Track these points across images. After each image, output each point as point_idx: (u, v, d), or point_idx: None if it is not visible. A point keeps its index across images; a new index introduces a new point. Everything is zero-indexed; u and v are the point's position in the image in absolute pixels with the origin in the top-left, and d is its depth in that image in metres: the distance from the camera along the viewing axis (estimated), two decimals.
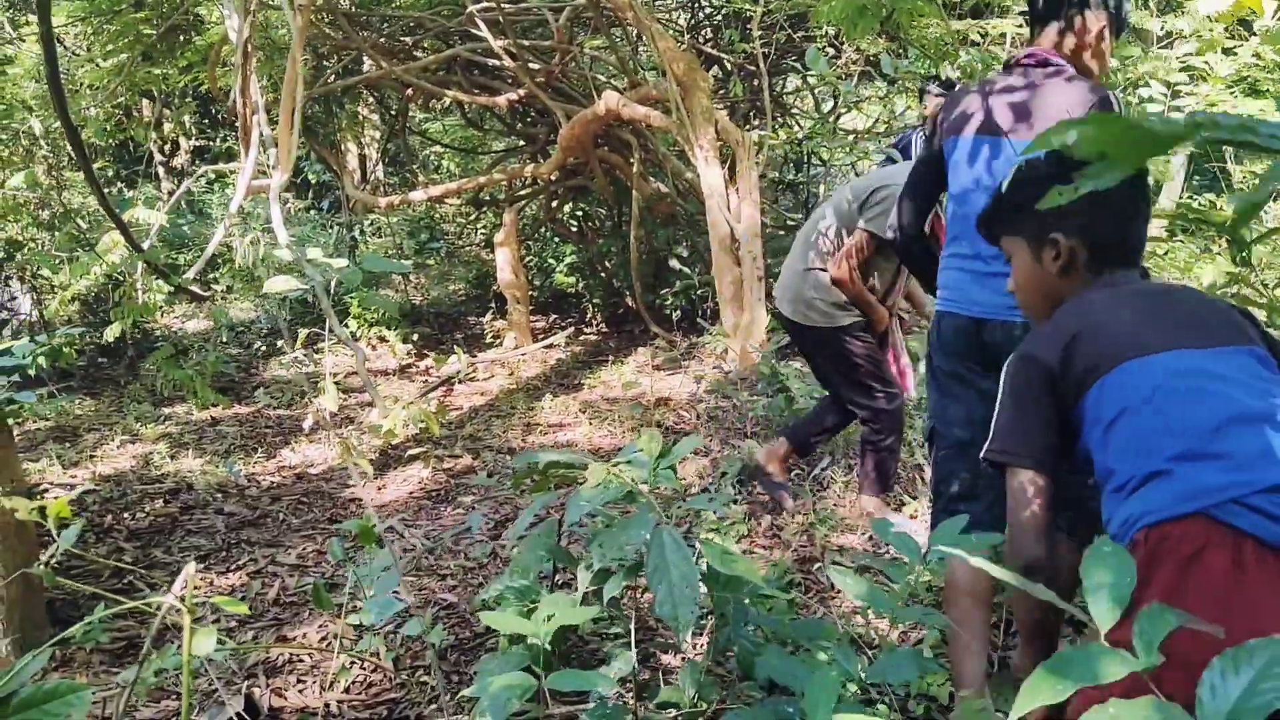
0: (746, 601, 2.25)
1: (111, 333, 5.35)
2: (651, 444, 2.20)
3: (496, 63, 7.02)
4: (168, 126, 10.82)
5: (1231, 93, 4.96)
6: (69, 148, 7.28)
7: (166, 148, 11.74)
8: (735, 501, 4.10)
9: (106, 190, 6.39)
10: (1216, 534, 1.23)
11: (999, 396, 1.62)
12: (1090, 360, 1.48)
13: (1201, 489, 1.30)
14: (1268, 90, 5.17)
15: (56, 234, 6.66)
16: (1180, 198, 6.39)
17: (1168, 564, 1.28)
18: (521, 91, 7.02)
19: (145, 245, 5.74)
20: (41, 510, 1.57)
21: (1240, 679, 0.91)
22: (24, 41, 8.28)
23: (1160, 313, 1.53)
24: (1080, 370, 1.49)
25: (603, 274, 8.28)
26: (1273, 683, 0.90)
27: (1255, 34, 4.70)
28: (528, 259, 8.62)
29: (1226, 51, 4.91)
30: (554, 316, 8.58)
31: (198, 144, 12.05)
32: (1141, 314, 1.53)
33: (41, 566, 2.14)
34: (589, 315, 8.26)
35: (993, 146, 2.58)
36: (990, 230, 1.81)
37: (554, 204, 8.57)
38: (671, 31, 7.67)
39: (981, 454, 1.61)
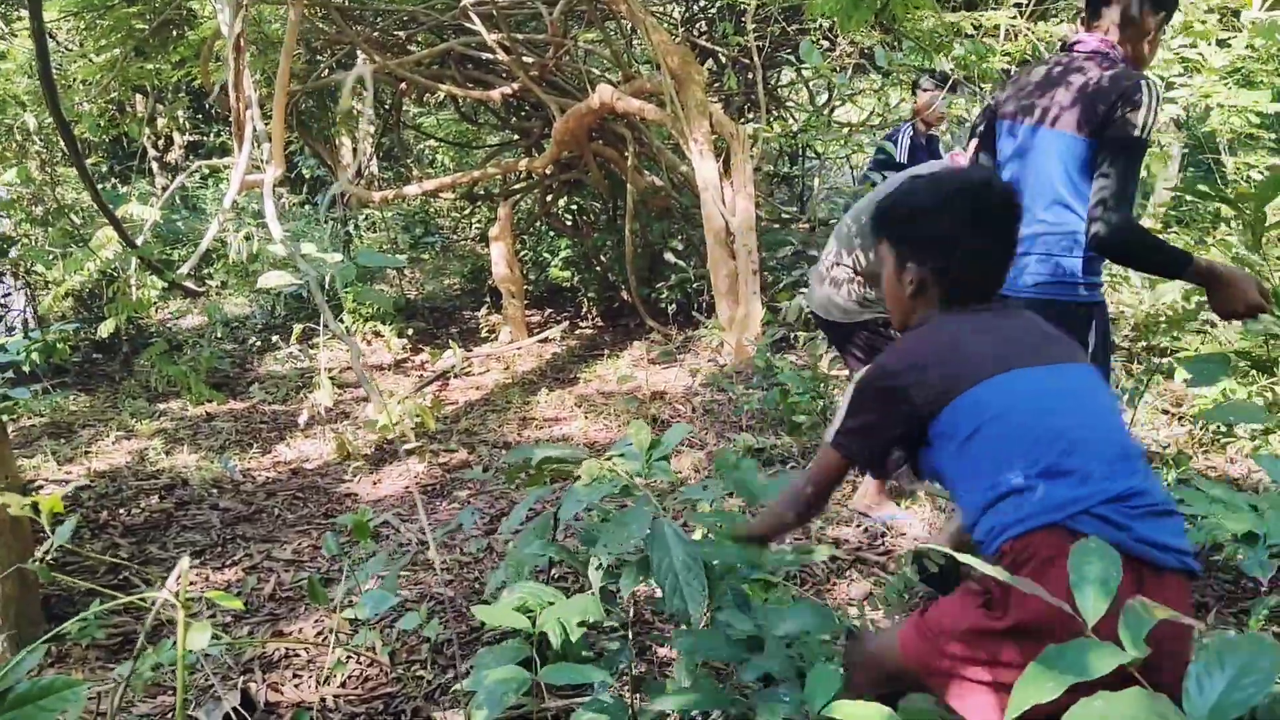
0: (746, 589, 2.25)
1: (106, 329, 5.35)
2: (641, 436, 2.20)
3: (490, 57, 7.01)
4: (161, 121, 10.78)
5: (1225, 84, 4.96)
6: (62, 143, 7.27)
7: (160, 143, 11.70)
8: (731, 494, 4.10)
9: (100, 186, 6.38)
10: (1069, 542, 1.35)
11: (853, 395, 1.81)
12: (944, 383, 1.64)
13: (1055, 504, 1.51)
14: (1261, 81, 5.18)
15: (50, 230, 6.65)
16: (1174, 190, 6.39)
17: (1029, 568, 1.48)
18: (516, 85, 7.00)
19: (139, 241, 5.75)
20: (35, 506, 1.57)
21: (1225, 673, 0.93)
22: (16, 36, 8.26)
23: (1008, 337, 1.72)
24: (934, 393, 1.64)
25: (598, 268, 8.28)
26: (1254, 677, 0.91)
27: (1245, 26, 4.71)
28: (522, 253, 8.61)
29: (1220, 43, 4.91)
30: (549, 310, 8.57)
31: (191, 139, 12.01)
32: (992, 339, 1.70)
33: (36, 563, 2.15)
34: (584, 309, 8.25)
35: (1009, 130, 2.64)
36: (873, 229, 1.93)
37: (549, 198, 8.56)
38: (666, 24, 7.66)
39: (826, 437, 1.83)
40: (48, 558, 2.30)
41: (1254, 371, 4.27)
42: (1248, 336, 4.43)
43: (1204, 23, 4.87)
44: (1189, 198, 6.28)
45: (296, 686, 2.81)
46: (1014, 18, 5.25)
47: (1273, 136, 5.92)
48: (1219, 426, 4.27)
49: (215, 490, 4.58)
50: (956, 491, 1.68)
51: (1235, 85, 5.13)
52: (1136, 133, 2.39)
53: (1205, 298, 2.41)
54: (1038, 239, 2.57)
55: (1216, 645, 1.00)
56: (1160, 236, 2.75)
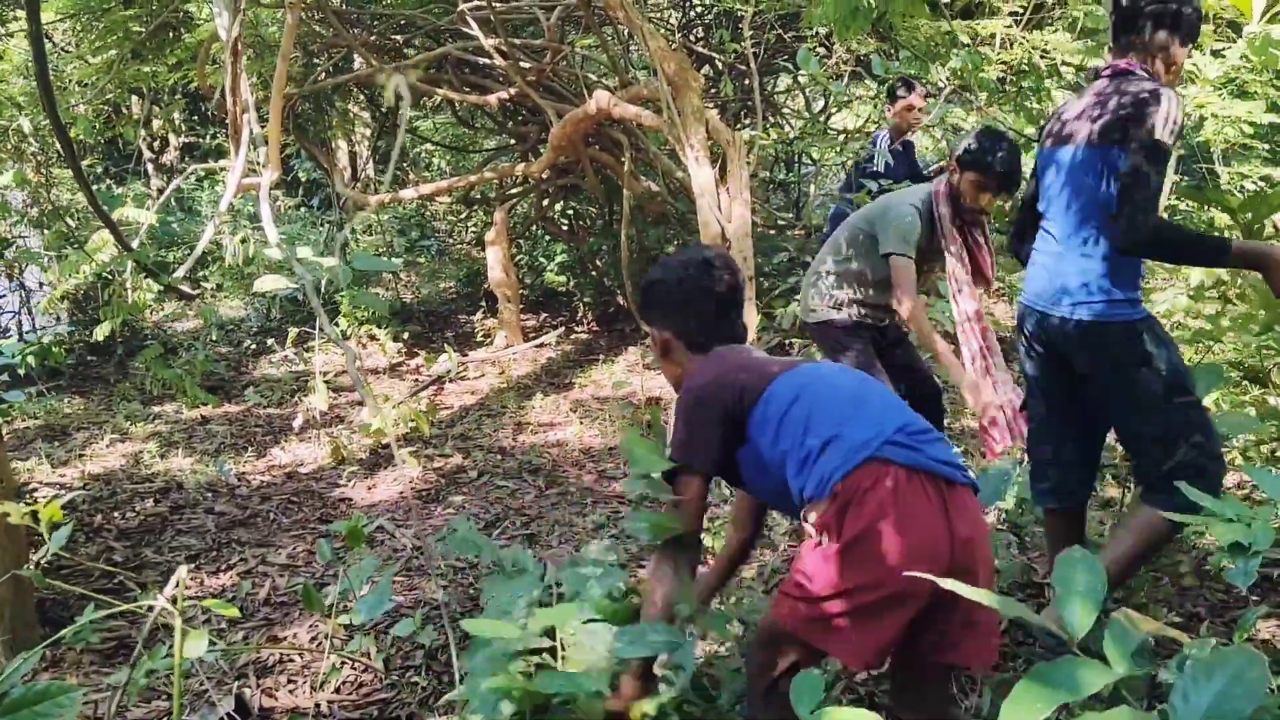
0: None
1: (101, 332, 5.35)
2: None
3: (487, 61, 7.01)
4: (156, 124, 10.78)
5: (1220, 94, 4.99)
6: (57, 145, 7.28)
7: (155, 145, 11.69)
8: (725, 501, 4.12)
9: (95, 188, 6.37)
10: (881, 469, 1.83)
11: (676, 420, 2.12)
12: (751, 381, 2.05)
13: (863, 442, 1.87)
14: (1255, 92, 5.20)
15: (45, 232, 6.64)
16: (1169, 198, 6.42)
17: (858, 497, 1.82)
18: (512, 90, 7.01)
19: (134, 244, 5.74)
20: (34, 514, 1.57)
21: (1213, 685, 0.94)
22: (12, 38, 8.26)
23: (765, 359, 2.22)
24: (743, 392, 2.04)
25: (593, 273, 8.29)
26: (1242, 689, 0.92)
27: (1242, 36, 4.73)
28: (518, 257, 8.61)
29: (1215, 53, 4.94)
30: (544, 315, 8.57)
31: (187, 141, 12.01)
32: (759, 359, 2.19)
33: (31, 568, 2.15)
34: (580, 314, 8.26)
35: (1049, 159, 2.71)
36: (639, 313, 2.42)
37: (545, 202, 8.56)
38: (663, 31, 7.67)
39: (667, 454, 2.10)
40: (42, 562, 2.31)
41: (1245, 382, 4.29)
42: (1240, 348, 4.46)
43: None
44: (1182, 206, 6.32)
45: (291, 692, 2.82)
46: (1009, 27, 5.28)
47: (1266, 147, 5.95)
48: None
49: (210, 494, 4.58)
50: (778, 470, 2.00)
51: (1229, 96, 5.16)
52: (1154, 135, 2.45)
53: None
54: (1073, 264, 2.62)
55: (1204, 657, 1.01)
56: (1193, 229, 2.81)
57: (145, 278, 5.63)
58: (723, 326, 2.25)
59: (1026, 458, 3.09)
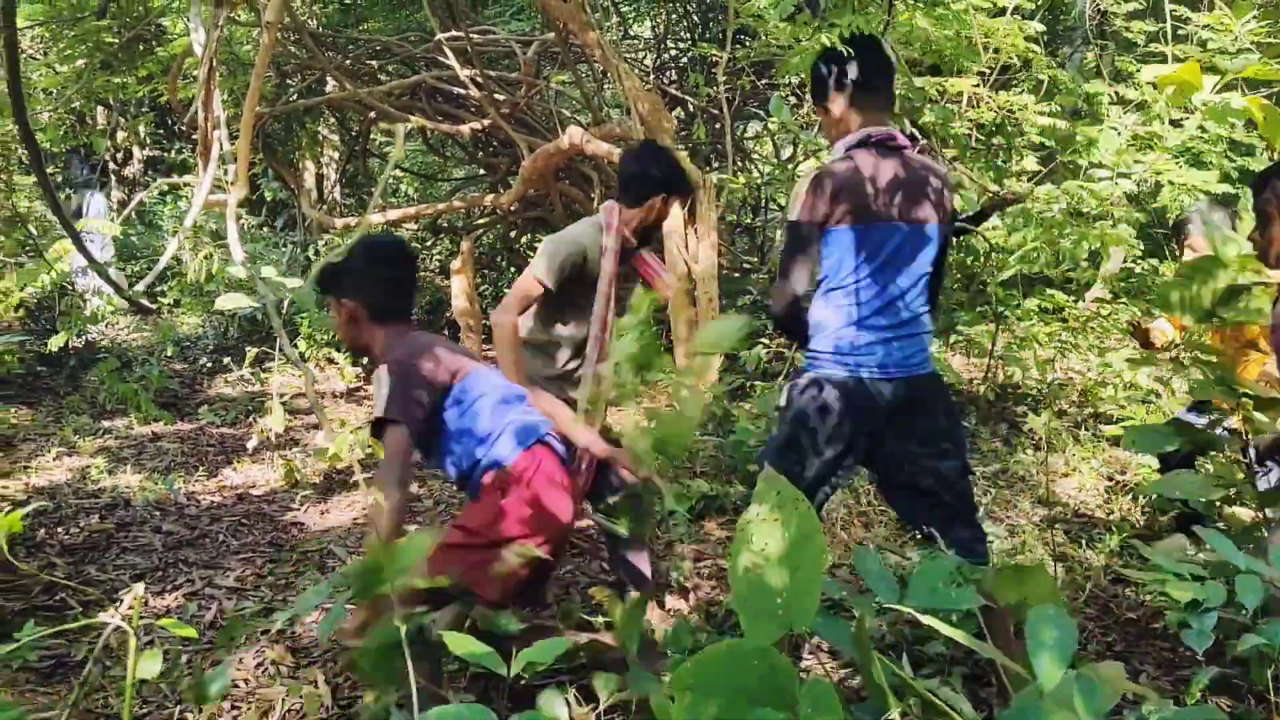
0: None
1: (56, 342, 5.25)
2: None
3: (462, 91, 7.04)
4: (121, 135, 10.68)
5: (1178, 163, 5.12)
6: (19, 152, 7.17)
7: (119, 156, 11.56)
8: (682, 540, 4.11)
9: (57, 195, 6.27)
10: (543, 451, 2.56)
11: (383, 383, 2.46)
12: (449, 365, 2.53)
13: (526, 432, 2.55)
14: (1210, 162, 5.35)
15: (3, 239, 6.53)
16: (1124, 261, 6.57)
17: (521, 473, 2.49)
18: (485, 121, 7.04)
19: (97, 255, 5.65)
20: None
21: None
22: None
23: (454, 345, 2.71)
24: (451, 380, 2.54)
25: None
26: None
27: (1197, 107, 4.87)
28: (483, 288, 8.60)
29: (1174, 123, 5.08)
30: None
31: (151, 154, 11.89)
32: (449, 345, 2.64)
33: None
34: None
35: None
36: (320, 288, 2.75)
37: (512, 234, 8.58)
38: (637, 71, 7.75)
39: (375, 415, 2.44)
40: None
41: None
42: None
43: (1155, 101, 5.05)
44: (1139, 270, 6.47)
45: (236, 719, 2.75)
46: (977, 85, 5.39)
47: None
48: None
49: (158, 512, 4.49)
50: (452, 448, 2.56)
51: (1186, 164, 5.30)
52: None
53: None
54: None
55: (1165, 714, 1.02)
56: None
57: (104, 290, 5.55)
58: (400, 300, 2.69)
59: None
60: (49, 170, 9.01)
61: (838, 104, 2.60)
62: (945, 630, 1.36)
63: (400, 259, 2.73)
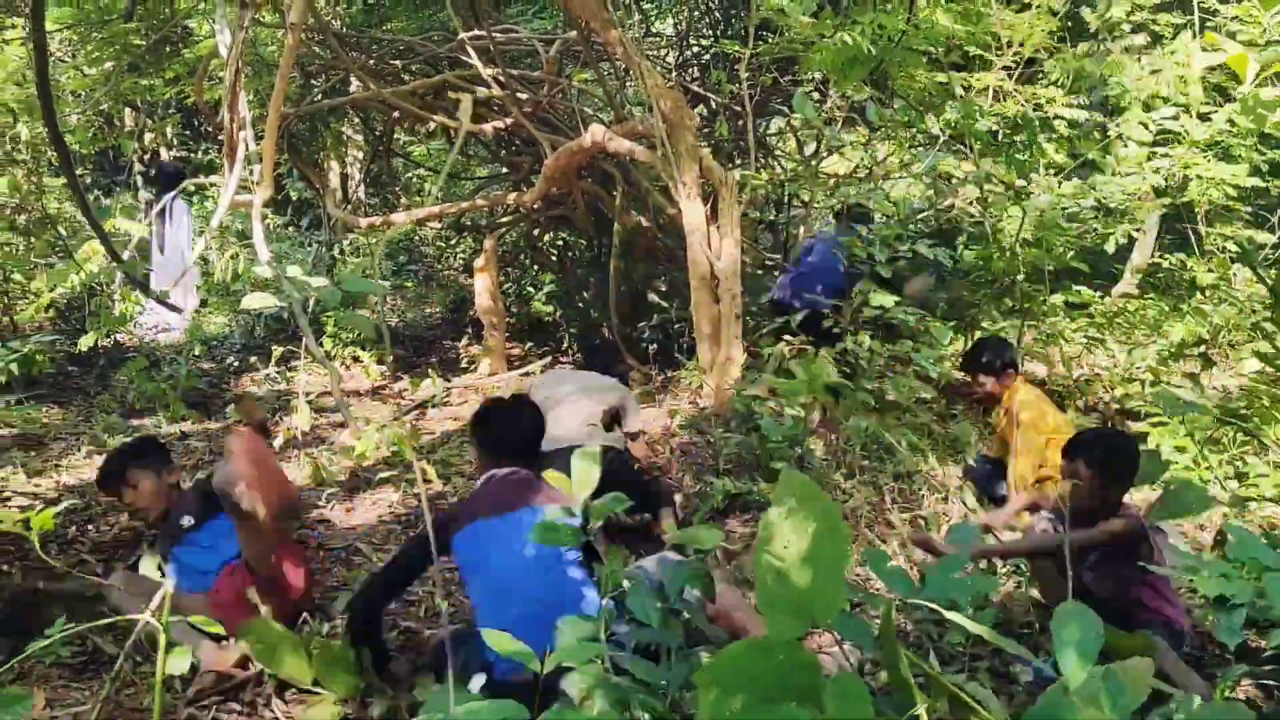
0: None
1: (85, 342, 5.31)
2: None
3: (485, 90, 7.06)
4: (149, 137, 10.78)
5: (1206, 156, 5.07)
6: (50, 153, 7.25)
7: (146, 158, 11.67)
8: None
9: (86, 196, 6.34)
10: None
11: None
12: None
13: None
14: (1240, 155, 5.30)
15: (34, 240, 6.60)
16: (1152, 256, 6.52)
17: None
18: (508, 120, 7.06)
19: (124, 256, 5.72)
20: (26, 522, 1.56)
21: None
22: (8, 44, 8.25)
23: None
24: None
25: (580, 304, 8.30)
26: None
27: (1234, 98, 4.81)
28: (506, 286, 8.62)
29: (1202, 117, 5.03)
30: (530, 344, 8.57)
31: (178, 155, 12.00)
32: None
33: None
34: (565, 345, 8.26)
35: None
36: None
37: (535, 232, 8.60)
38: (659, 69, 7.75)
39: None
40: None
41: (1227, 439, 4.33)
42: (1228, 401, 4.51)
43: (1186, 95, 5.00)
44: (1165, 265, 6.40)
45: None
46: (1002, 80, 5.36)
47: (1249, 209, 6.05)
48: None
49: None
50: None
51: (1214, 158, 5.25)
52: None
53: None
54: None
55: (1194, 714, 1.02)
56: None
57: (133, 290, 5.61)
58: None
59: None
60: (77, 172, 9.11)
61: None
62: (968, 625, 1.36)
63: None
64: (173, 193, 7.55)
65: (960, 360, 5.11)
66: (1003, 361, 4.87)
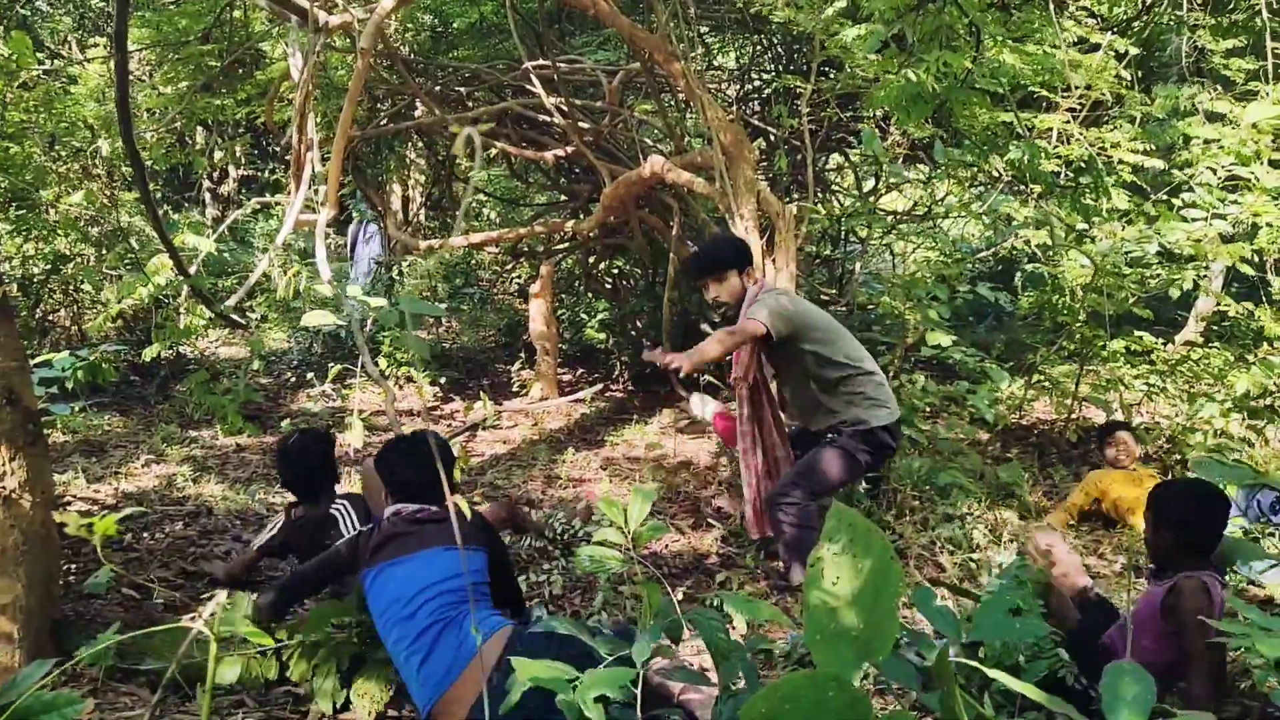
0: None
1: (149, 353, 5.42)
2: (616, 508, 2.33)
3: (547, 118, 7.15)
4: (218, 155, 11.05)
5: (1276, 204, 4.97)
6: (124, 169, 7.47)
7: (215, 175, 11.97)
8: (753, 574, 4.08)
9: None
10: None
11: None
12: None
13: None
14: None
15: (105, 252, 6.78)
16: (1218, 304, 6.38)
17: None
18: (569, 148, 7.13)
19: (191, 270, 5.85)
20: (89, 526, 1.59)
21: None
22: (90, 63, 8.52)
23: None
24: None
25: (633, 332, 8.33)
26: None
27: None
28: (560, 312, 8.68)
29: (1273, 164, 4.93)
30: (581, 370, 8.61)
31: (245, 174, 12.29)
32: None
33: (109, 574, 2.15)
34: (617, 372, 8.29)
35: None
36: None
37: (591, 260, 8.65)
38: (720, 101, 7.79)
39: None
40: (69, 577, 2.31)
41: None
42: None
43: (1257, 142, 4.90)
44: (1232, 313, 6.26)
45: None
46: (1067, 122, 5.30)
47: None
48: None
49: (239, 521, 4.60)
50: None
51: None
52: None
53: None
54: None
55: None
56: None
57: (198, 304, 5.74)
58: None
59: None
60: (150, 187, 9.35)
61: None
62: (1012, 684, 1.32)
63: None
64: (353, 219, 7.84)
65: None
66: None
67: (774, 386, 4.30)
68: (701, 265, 4.18)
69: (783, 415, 4.30)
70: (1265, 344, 5.94)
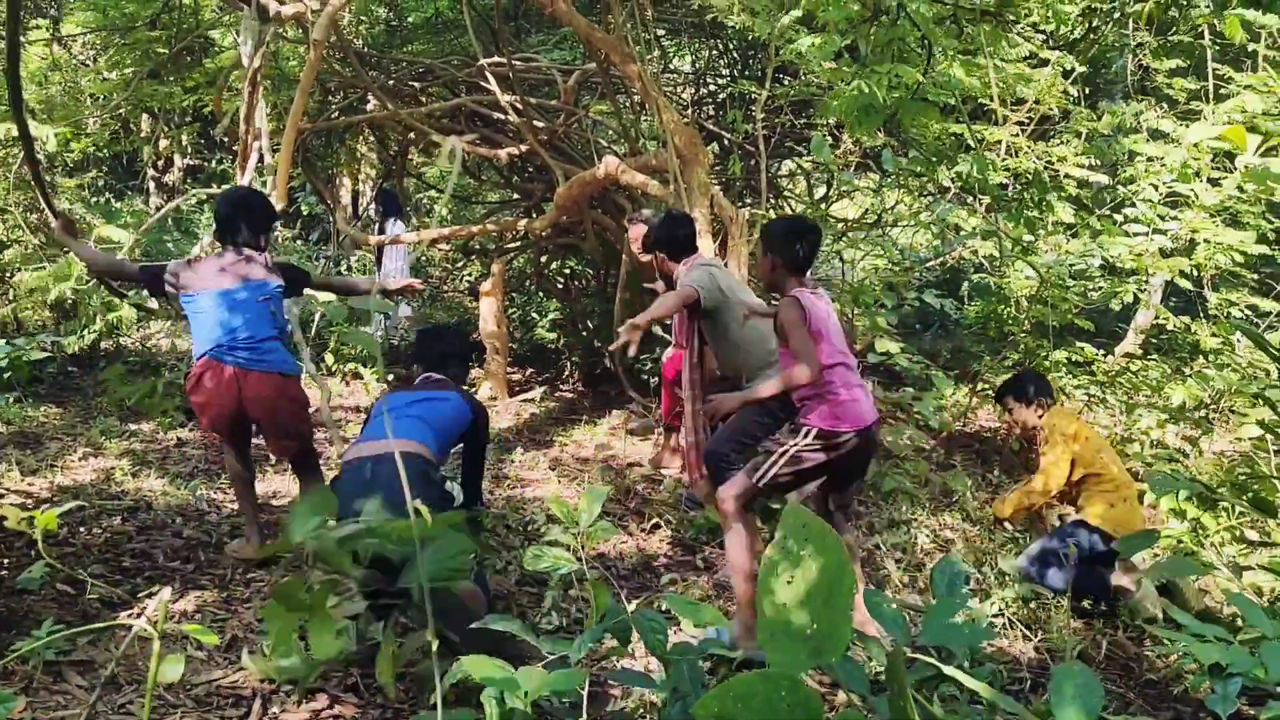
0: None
1: (71, 345, 5.30)
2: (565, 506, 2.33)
3: (501, 116, 7.12)
4: (163, 143, 10.85)
5: (1214, 221, 5.11)
6: (65, 156, 7.31)
7: (160, 164, 11.75)
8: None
9: (96, 200, 6.38)
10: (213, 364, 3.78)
11: None
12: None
13: (208, 343, 3.82)
14: (1248, 222, 5.33)
15: (44, 240, 6.63)
16: (1156, 318, 6.54)
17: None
18: (523, 147, 7.11)
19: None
20: (30, 519, 1.55)
21: None
22: (32, 45, 8.32)
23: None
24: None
25: (584, 333, 8.32)
26: None
27: (1237, 168, 4.86)
28: (511, 311, 8.65)
29: (1212, 182, 5.07)
30: (531, 370, 8.58)
31: (191, 163, 12.07)
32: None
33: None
34: (567, 372, 8.27)
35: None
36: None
37: (543, 259, 8.63)
38: (676, 105, 7.81)
39: None
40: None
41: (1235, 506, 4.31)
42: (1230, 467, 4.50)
43: (1198, 160, 5.03)
44: (1170, 327, 6.42)
45: None
46: (1015, 135, 5.40)
47: (1255, 276, 6.07)
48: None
49: (179, 518, 4.51)
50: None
51: (1222, 224, 5.28)
52: None
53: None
54: None
55: None
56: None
57: (112, 296, 5.62)
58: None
59: None
60: (90, 175, 9.15)
61: None
62: (966, 681, 1.35)
63: None
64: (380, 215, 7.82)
65: (996, 390, 4.97)
66: (1036, 389, 4.66)
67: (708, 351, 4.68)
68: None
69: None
70: (1201, 357, 6.10)
